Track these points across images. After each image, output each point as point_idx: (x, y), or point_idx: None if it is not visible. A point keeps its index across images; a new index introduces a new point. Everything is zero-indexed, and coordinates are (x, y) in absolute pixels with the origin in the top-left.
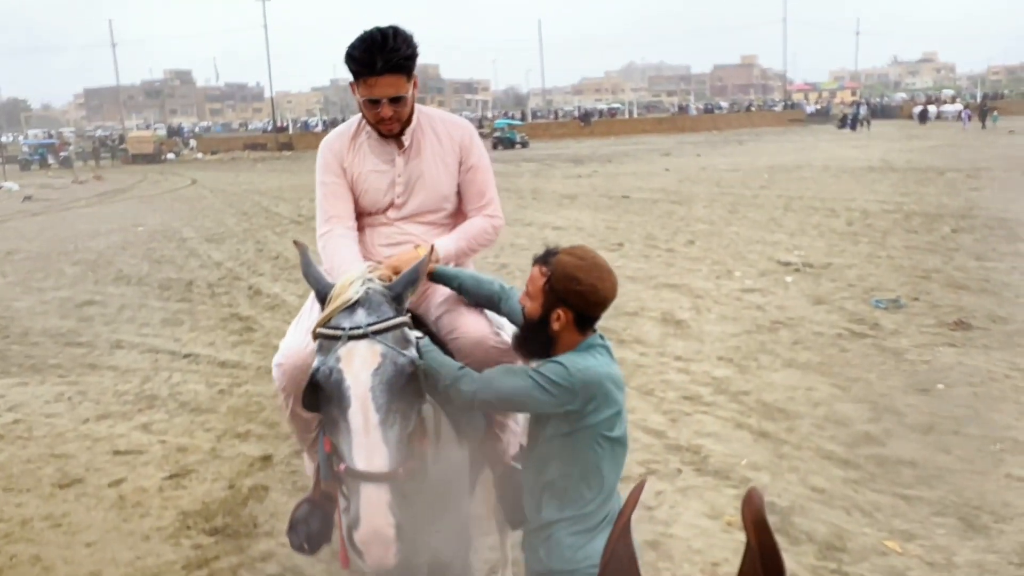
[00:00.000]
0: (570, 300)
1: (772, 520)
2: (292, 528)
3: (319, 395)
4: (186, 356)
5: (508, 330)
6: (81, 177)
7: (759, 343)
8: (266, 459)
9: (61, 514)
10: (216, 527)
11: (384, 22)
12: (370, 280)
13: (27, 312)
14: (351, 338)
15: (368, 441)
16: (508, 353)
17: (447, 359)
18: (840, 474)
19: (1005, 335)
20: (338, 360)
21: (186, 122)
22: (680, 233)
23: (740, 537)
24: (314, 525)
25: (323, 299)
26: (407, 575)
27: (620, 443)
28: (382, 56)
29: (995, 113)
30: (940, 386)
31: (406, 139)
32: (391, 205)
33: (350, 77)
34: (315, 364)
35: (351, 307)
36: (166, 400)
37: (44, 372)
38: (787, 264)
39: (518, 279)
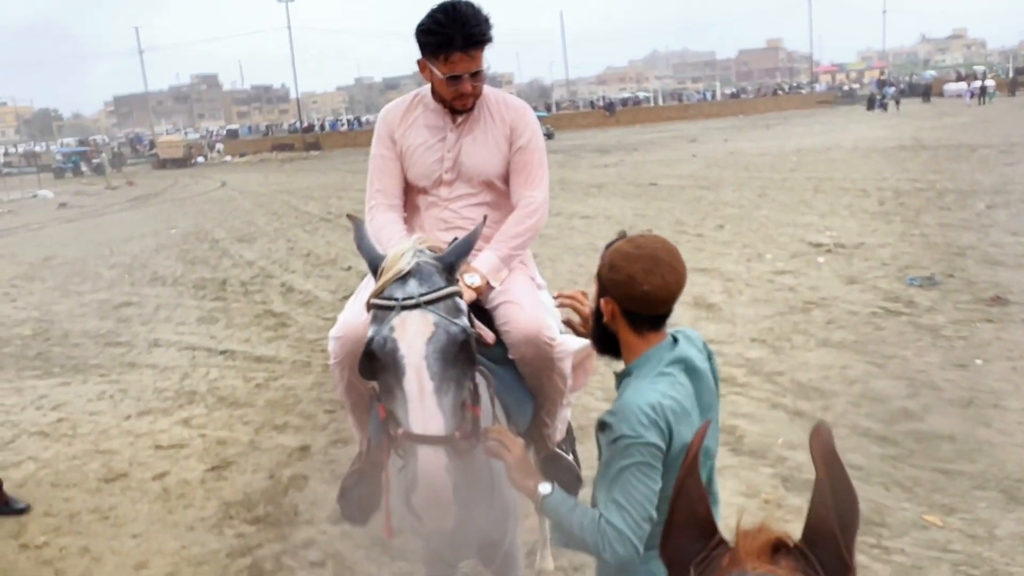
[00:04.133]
0: (610, 290)
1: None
2: (343, 495)
3: (374, 364)
4: (222, 352)
5: (559, 329)
6: (114, 183)
7: (792, 324)
8: (304, 449)
9: (108, 507)
10: (258, 516)
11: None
12: (421, 251)
13: (66, 315)
14: (404, 308)
15: (424, 407)
16: (559, 351)
17: (570, 508)
18: (878, 451)
19: None
20: (392, 330)
21: (213, 125)
22: (709, 218)
23: (776, 515)
24: (364, 492)
25: (375, 270)
26: (459, 553)
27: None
28: (464, 31)
29: (993, 90)
30: (978, 361)
31: (460, 115)
32: (440, 182)
33: (408, 61)
34: (370, 334)
35: (403, 278)
36: (205, 395)
37: (85, 372)
38: (818, 245)
39: (547, 268)
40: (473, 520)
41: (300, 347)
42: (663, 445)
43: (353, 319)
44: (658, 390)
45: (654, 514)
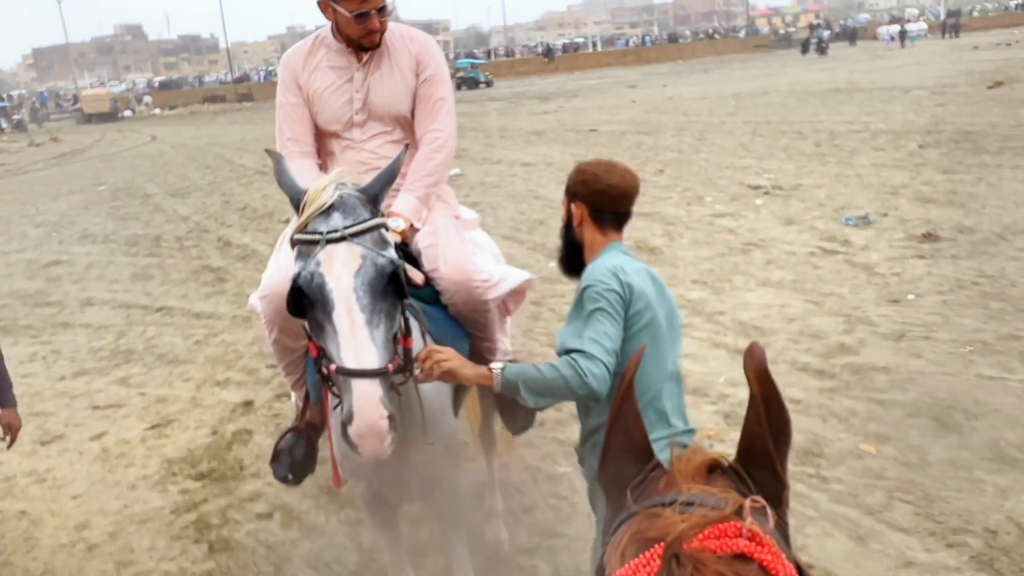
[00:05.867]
0: (579, 192)
1: None
2: (276, 458)
3: (302, 301)
4: (159, 310)
5: (491, 270)
6: (37, 139)
7: (732, 265)
8: (247, 404)
9: (45, 469)
10: (202, 472)
11: None
12: (343, 184)
13: None
14: (329, 242)
15: (355, 340)
16: (491, 292)
17: (534, 369)
18: (816, 384)
19: (972, 244)
20: (318, 264)
21: (140, 77)
22: (649, 163)
23: (719, 449)
24: (298, 455)
25: (297, 205)
26: (400, 492)
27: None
28: None
29: (912, 34)
30: (911, 296)
31: (366, 53)
32: (352, 124)
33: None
34: (295, 270)
35: (326, 211)
36: (142, 354)
37: (15, 333)
38: (757, 187)
39: (488, 216)
40: (410, 456)
41: (240, 302)
42: (625, 296)
43: (278, 276)
44: (618, 260)
45: (618, 352)
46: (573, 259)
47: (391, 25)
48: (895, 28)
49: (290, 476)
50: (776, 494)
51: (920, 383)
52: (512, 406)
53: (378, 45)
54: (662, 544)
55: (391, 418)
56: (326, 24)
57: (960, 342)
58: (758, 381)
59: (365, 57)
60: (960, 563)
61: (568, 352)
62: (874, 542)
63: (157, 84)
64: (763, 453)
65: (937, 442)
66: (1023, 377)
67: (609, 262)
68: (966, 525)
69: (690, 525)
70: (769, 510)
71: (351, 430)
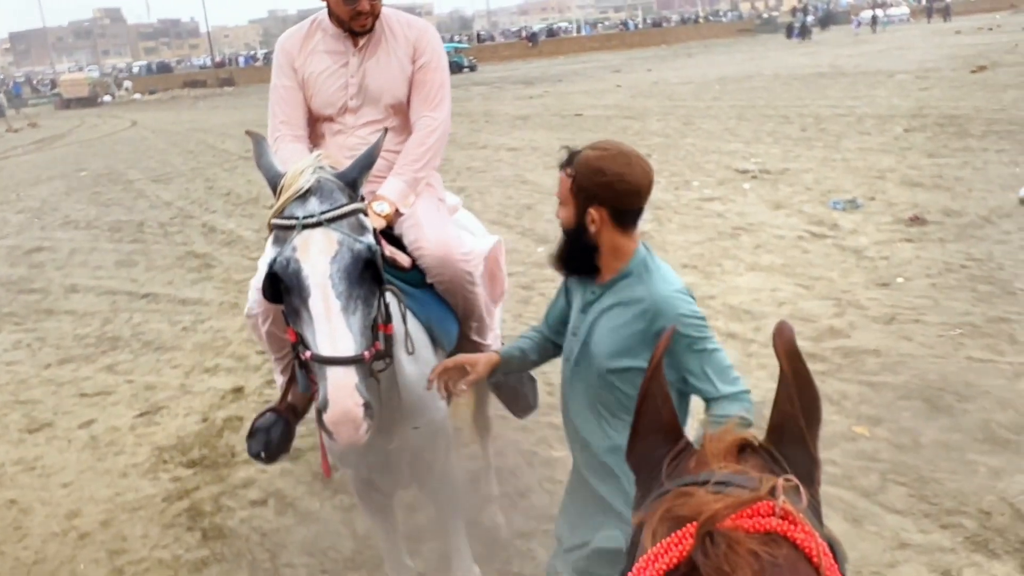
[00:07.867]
0: (600, 195)
1: (759, 415)
2: (252, 435)
3: (278, 287)
4: (145, 296)
5: (472, 243)
6: (15, 125)
7: (722, 249)
8: (238, 391)
9: (33, 458)
10: (193, 459)
11: None
12: (321, 168)
13: None
14: (305, 227)
15: (331, 327)
16: (474, 264)
17: None
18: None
19: (959, 227)
20: (294, 250)
21: (119, 62)
22: (636, 147)
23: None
24: (275, 434)
25: (275, 188)
26: (391, 479)
27: None
28: None
29: (884, 20)
30: (900, 279)
31: (362, 38)
32: (346, 109)
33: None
34: (272, 255)
35: (303, 196)
36: (129, 340)
37: None
38: (744, 172)
39: (476, 201)
40: (396, 441)
41: (227, 288)
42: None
43: None
44: (668, 272)
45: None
46: (583, 262)
47: (389, 11)
48: (866, 14)
49: (263, 454)
50: (808, 472)
51: (911, 366)
52: (514, 392)
53: (370, 29)
54: (695, 523)
55: (367, 405)
56: (321, 7)
57: (949, 325)
58: (788, 359)
59: (361, 42)
60: (955, 544)
61: (711, 399)
62: (869, 524)
63: (150, 68)
64: (794, 431)
65: (929, 424)
66: (1012, 359)
67: (673, 284)
68: (960, 506)
69: (724, 505)
70: (802, 488)
71: (326, 417)
